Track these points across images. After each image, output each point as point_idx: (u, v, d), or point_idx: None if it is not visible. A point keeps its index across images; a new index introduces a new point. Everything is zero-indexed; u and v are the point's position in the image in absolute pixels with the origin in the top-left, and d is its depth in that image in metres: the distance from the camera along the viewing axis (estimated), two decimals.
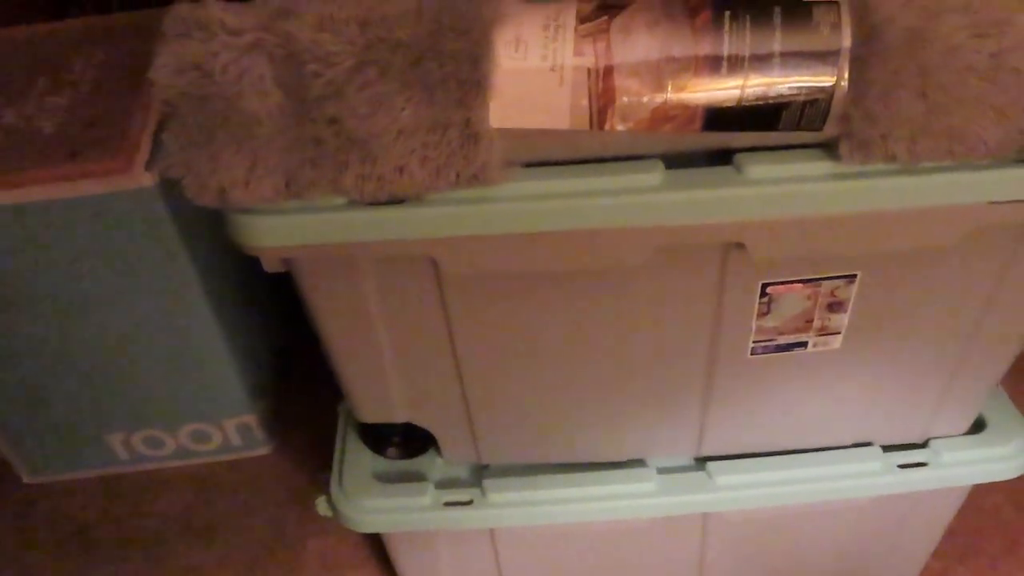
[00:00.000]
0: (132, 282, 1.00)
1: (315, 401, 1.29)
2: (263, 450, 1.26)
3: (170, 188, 0.93)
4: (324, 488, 0.76)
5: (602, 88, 0.50)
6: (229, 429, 1.21)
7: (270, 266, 0.58)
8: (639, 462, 0.75)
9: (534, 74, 0.50)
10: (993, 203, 0.53)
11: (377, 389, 0.67)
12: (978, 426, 0.77)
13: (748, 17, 0.49)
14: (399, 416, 0.70)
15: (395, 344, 0.63)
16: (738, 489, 0.73)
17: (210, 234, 1.06)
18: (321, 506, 0.76)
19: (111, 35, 1.08)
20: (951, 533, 0.88)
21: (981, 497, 1.09)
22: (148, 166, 0.91)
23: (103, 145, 0.91)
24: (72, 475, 1.25)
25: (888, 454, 0.74)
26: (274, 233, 0.53)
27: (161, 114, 0.50)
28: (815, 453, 0.74)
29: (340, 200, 0.52)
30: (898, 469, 0.74)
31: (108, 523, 1.18)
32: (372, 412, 0.70)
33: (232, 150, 0.50)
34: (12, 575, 1.13)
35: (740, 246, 0.55)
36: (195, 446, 1.22)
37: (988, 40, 0.47)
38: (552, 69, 0.50)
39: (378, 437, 0.75)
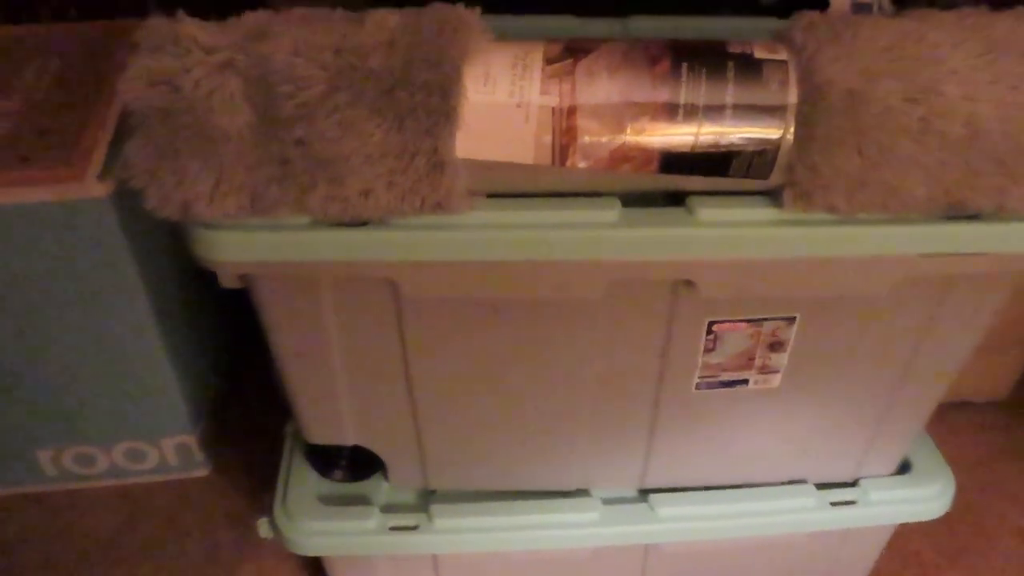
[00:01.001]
0: (76, 293, 0.98)
1: (257, 424, 1.28)
2: (201, 471, 1.23)
3: (123, 200, 0.92)
4: (266, 510, 0.75)
5: (565, 127, 0.52)
6: (167, 448, 1.18)
7: (228, 281, 0.58)
8: (584, 492, 0.76)
9: (501, 109, 0.52)
10: (923, 255, 0.57)
11: (328, 411, 0.67)
12: (904, 467, 0.80)
13: (704, 69, 0.52)
14: (348, 439, 0.70)
15: (349, 366, 0.63)
16: (679, 521, 0.74)
17: (161, 250, 1.05)
18: (263, 528, 0.75)
19: (67, 44, 1.06)
20: (874, 573, 0.91)
21: (903, 540, 1.13)
22: (101, 177, 0.90)
23: (55, 153, 0.90)
24: None
25: (821, 492, 0.77)
26: (236, 248, 0.53)
27: (128, 125, 0.50)
28: (753, 488, 0.77)
29: (304, 219, 0.53)
30: (830, 506, 0.76)
31: (31, 542, 1.13)
32: (321, 434, 0.70)
33: (198, 165, 0.50)
34: None
35: (690, 284, 0.57)
36: (129, 465, 1.19)
37: (919, 105, 0.50)
38: (519, 105, 0.52)
39: (325, 459, 0.74)
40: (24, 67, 1.01)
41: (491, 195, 0.54)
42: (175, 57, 0.49)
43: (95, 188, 0.89)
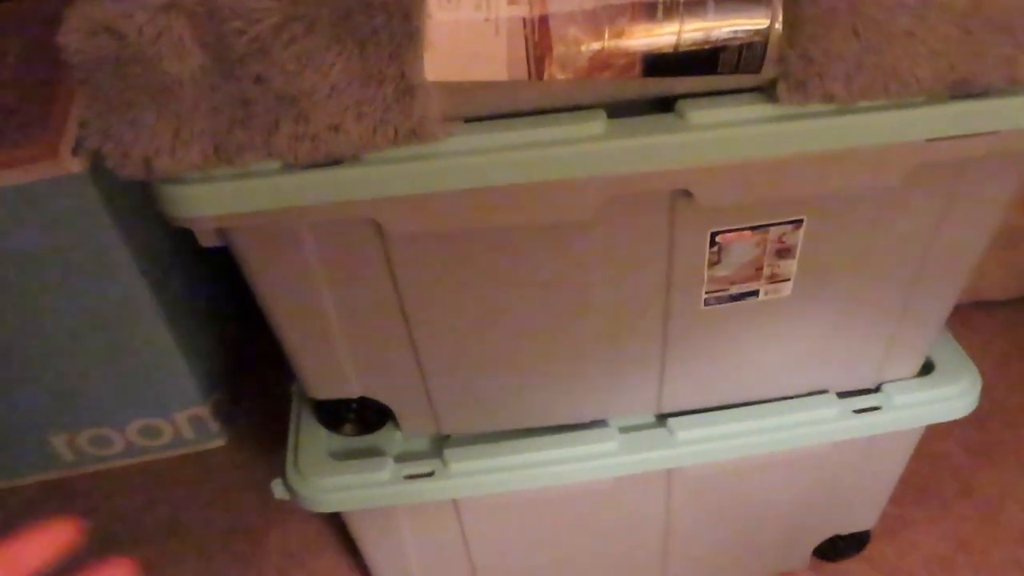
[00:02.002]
0: (68, 273, 0.96)
1: (270, 388, 1.27)
2: (218, 442, 1.23)
3: (102, 174, 0.89)
4: (279, 472, 0.74)
5: (538, 37, 0.49)
6: (181, 422, 1.17)
7: (205, 239, 0.56)
8: (601, 423, 0.75)
9: (468, 25, 0.48)
10: (930, 140, 0.53)
11: (328, 364, 0.65)
12: (927, 368, 0.78)
13: None
14: (353, 391, 0.68)
15: (343, 314, 0.61)
16: (699, 443, 0.73)
17: (150, 221, 1.03)
18: (278, 489, 0.74)
19: (33, 21, 1.03)
20: (906, 480, 0.90)
21: (932, 444, 1.12)
22: (75, 152, 0.87)
23: (26, 132, 0.87)
24: (13, 482, 1.20)
25: (843, 400, 0.75)
26: (205, 202, 0.51)
27: (75, 81, 0.48)
28: (773, 403, 0.75)
29: (274, 164, 0.50)
30: (853, 414, 0.75)
31: None
32: (324, 388, 0.68)
33: (154, 116, 0.47)
34: None
35: (687, 194, 0.54)
36: (145, 442, 1.19)
37: None
38: (487, 19, 0.49)
39: (333, 415, 0.73)
40: None
41: (468, 119, 0.52)
42: (114, 2, 0.46)
43: (71, 164, 0.87)
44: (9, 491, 1.19)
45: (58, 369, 1.05)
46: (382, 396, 0.70)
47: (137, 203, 0.98)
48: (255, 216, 0.52)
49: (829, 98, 0.51)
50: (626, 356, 0.68)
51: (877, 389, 0.77)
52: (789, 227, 0.60)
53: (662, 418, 0.75)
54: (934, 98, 0.52)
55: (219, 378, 1.24)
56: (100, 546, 1.11)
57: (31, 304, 0.98)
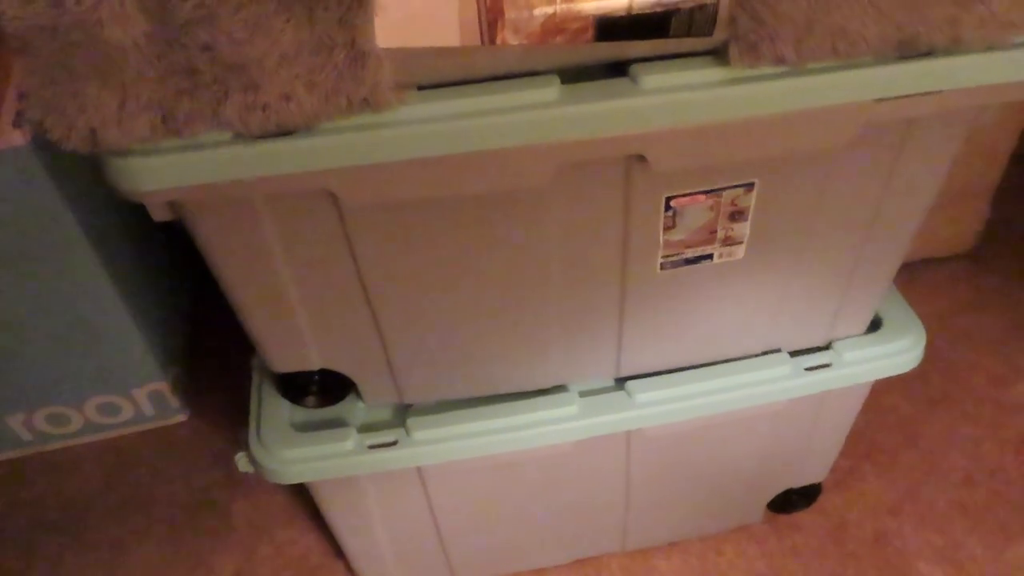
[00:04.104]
0: (17, 250, 0.94)
1: (231, 361, 1.26)
2: (179, 417, 1.21)
3: (45, 146, 0.87)
4: (242, 445, 0.73)
5: (490, 2, 0.48)
6: (140, 399, 1.16)
7: (157, 214, 0.55)
8: (561, 388, 0.76)
9: None
10: (879, 100, 0.54)
11: (288, 337, 0.65)
12: (875, 325, 0.80)
13: None
14: (314, 363, 0.68)
15: (302, 287, 0.61)
16: (658, 405, 0.74)
17: (101, 195, 1.00)
18: (241, 462, 0.74)
19: None
20: (855, 433, 0.93)
21: (879, 397, 1.16)
22: (16, 124, 0.84)
23: None
24: None
25: (795, 358, 0.77)
26: (155, 175, 0.50)
27: (12, 50, 0.46)
28: (728, 364, 0.77)
29: (224, 135, 0.49)
30: (805, 372, 0.77)
31: (17, 509, 1.13)
32: (285, 361, 0.68)
33: (97, 85, 0.46)
34: None
35: (641, 159, 0.55)
36: (105, 419, 1.17)
37: None
38: None
39: (295, 387, 0.73)
40: None
41: (421, 87, 0.51)
42: None
43: (11, 136, 0.84)
44: None
45: (9, 347, 1.03)
46: (343, 367, 0.70)
47: (85, 176, 0.95)
48: (207, 189, 0.51)
49: (780, 60, 0.51)
50: (584, 321, 0.69)
51: (828, 347, 0.79)
52: (741, 190, 0.61)
53: (621, 381, 0.76)
54: (881, 59, 0.53)
55: (177, 353, 1.22)
56: (64, 524, 1.10)
57: None
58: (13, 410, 1.11)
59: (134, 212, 1.10)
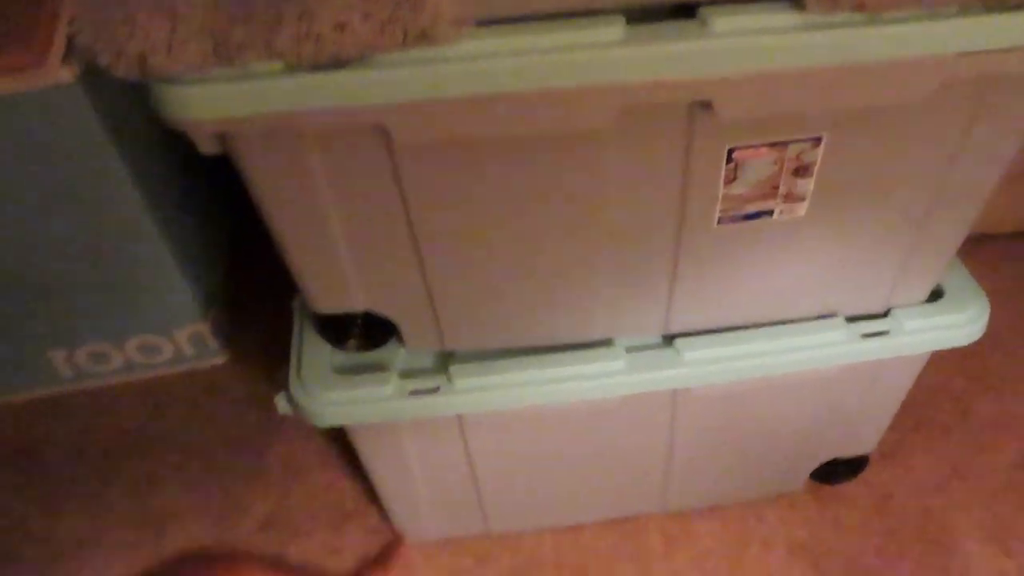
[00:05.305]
0: (61, 187, 0.94)
1: (269, 305, 1.26)
2: (218, 359, 1.23)
3: (94, 83, 0.86)
4: (283, 386, 0.73)
5: None
6: (180, 339, 1.17)
7: (205, 146, 0.53)
8: (607, 342, 0.74)
9: None
10: (961, 54, 0.51)
11: (332, 276, 0.64)
12: (936, 295, 0.77)
13: None
14: (357, 304, 0.67)
15: (348, 226, 0.60)
16: (706, 364, 0.72)
17: (145, 134, 1.00)
18: (280, 404, 0.74)
19: None
20: (906, 405, 0.90)
21: (934, 369, 1.12)
22: (65, 60, 0.84)
23: (13, 40, 0.83)
24: (10, 398, 1.20)
25: (852, 324, 0.75)
26: (204, 104, 0.49)
27: None
28: (781, 326, 0.74)
29: (276, 65, 0.48)
30: (861, 338, 0.74)
31: (57, 443, 1.15)
32: (328, 302, 0.67)
33: (149, 10, 0.45)
34: None
35: (707, 105, 0.52)
36: (144, 359, 1.18)
37: None
38: None
39: (336, 329, 0.72)
40: None
41: (481, 22, 0.49)
42: None
43: (60, 73, 0.84)
44: (8, 406, 1.20)
45: (54, 284, 1.04)
46: (387, 311, 0.69)
47: (131, 115, 0.95)
48: (256, 120, 0.50)
49: (859, 6, 0.48)
50: (636, 274, 0.67)
51: (886, 314, 0.76)
52: (808, 144, 0.58)
53: (669, 339, 0.74)
54: (968, 9, 0.49)
55: (217, 294, 1.23)
56: (101, 460, 1.12)
57: (28, 218, 0.96)
58: (55, 346, 1.13)
59: (178, 153, 1.10)
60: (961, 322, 0.76)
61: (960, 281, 0.78)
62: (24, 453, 1.14)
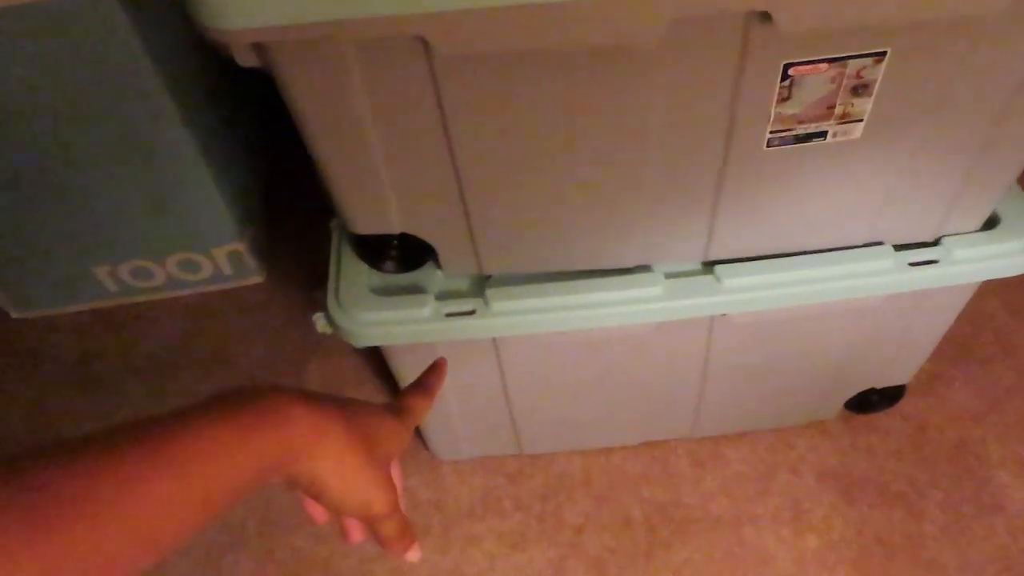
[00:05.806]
0: (100, 103, 0.93)
1: (306, 226, 1.26)
2: (256, 278, 1.24)
3: None
4: (321, 305, 0.74)
5: None
6: (219, 258, 1.18)
7: (242, 58, 0.52)
8: (645, 268, 0.73)
9: None
10: None
11: (371, 197, 0.63)
12: (991, 223, 0.74)
13: None
14: (395, 226, 0.67)
15: (387, 144, 0.58)
16: (747, 291, 0.71)
17: (183, 53, 0.98)
18: (319, 323, 0.74)
19: None
20: (946, 338, 0.89)
21: (976, 302, 1.10)
22: None
23: None
24: (61, 310, 1.23)
25: (899, 253, 0.72)
26: (243, 13, 0.47)
27: None
28: (826, 253, 0.72)
29: None
30: (909, 267, 0.72)
31: (106, 355, 1.18)
32: (366, 223, 0.67)
33: None
34: (15, 409, 1.14)
35: (765, 17, 0.49)
36: (185, 276, 1.20)
37: None
38: None
39: (374, 250, 0.72)
40: None
41: None
42: None
43: None
44: (62, 316, 1.23)
45: (95, 200, 1.05)
46: (424, 233, 0.68)
47: (168, 30, 0.93)
48: (295, 30, 0.48)
49: None
50: (679, 198, 0.65)
51: (936, 243, 0.74)
52: (870, 60, 0.55)
53: (708, 265, 0.73)
54: None
55: (255, 214, 1.23)
56: (147, 372, 1.15)
57: (64, 132, 0.96)
58: (100, 261, 1.15)
59: (215, 71, 1.09)
60: (1015, 251, 0.73)
61: (1017, 208, 0.75)
62: (79, 365, 1.17)
